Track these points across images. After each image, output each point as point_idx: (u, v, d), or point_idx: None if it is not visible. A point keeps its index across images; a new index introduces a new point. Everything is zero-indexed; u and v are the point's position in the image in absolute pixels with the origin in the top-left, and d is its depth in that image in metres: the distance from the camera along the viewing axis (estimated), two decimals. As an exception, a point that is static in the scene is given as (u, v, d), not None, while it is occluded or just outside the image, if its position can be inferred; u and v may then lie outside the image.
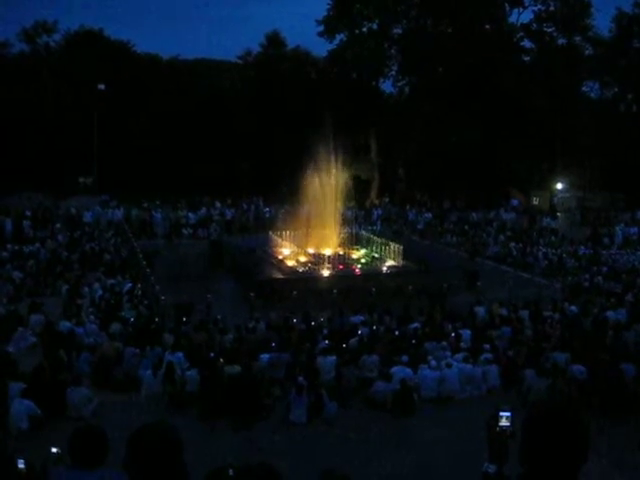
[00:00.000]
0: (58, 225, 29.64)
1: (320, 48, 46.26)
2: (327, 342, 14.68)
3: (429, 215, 36.22)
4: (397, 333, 16.07)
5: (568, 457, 2.35)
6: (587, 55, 44.55)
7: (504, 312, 18.20)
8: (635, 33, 43.46)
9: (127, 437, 2.70)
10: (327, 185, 26.96)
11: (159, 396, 12.23)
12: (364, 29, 45.26)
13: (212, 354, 13.84)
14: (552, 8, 43.46)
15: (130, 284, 20.91)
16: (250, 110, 42.28)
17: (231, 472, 3.38)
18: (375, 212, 36.55)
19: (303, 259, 25.14)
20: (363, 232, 28.61)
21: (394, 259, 25.23)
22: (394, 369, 12.75)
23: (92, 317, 16.81)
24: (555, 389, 11.81)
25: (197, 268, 24.73)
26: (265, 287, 21.99)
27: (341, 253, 26.12)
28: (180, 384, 12.26)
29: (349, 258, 25.84)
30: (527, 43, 45.40)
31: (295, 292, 20.75)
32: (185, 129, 40.31)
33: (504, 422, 4.35)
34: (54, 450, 5.61)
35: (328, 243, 26.65)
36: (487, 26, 44.49)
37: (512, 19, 44.89)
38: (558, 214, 37.16)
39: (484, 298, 20.33)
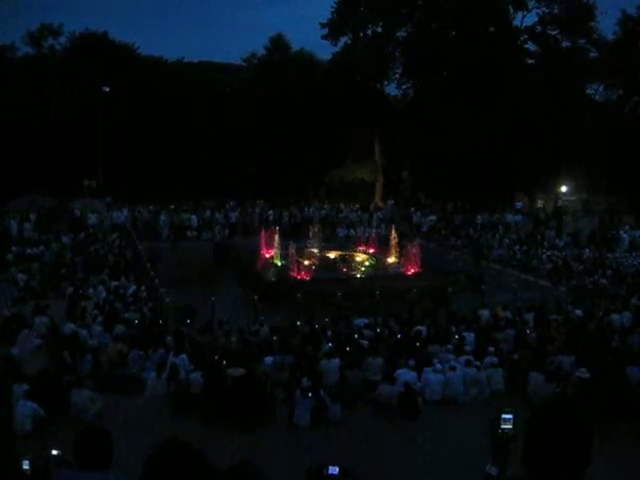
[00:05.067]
0: (62, 227, 29.70)
1: (324, 51, 46.39)
2: (331, 345, 14.68)
3: (433, 218, 36.15)
4: (401, 336, 16.05)
5: (572, 459, 2.34)
6: (591, 57, 44.46)
7: (508, 315, 18.16)
8: (640, 35, 43.35)
9: (146, 457, 2.44)
10: (332, 187, 26.95)
11: (163, 398, 12.24)
12: (368, 32, 45.34)
13: (216, 356, 13.85)
14: (556, 11, 43.42)
15: (134, 286, 20.92)
16: (254, 113, 42.33)
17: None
18: (379, 214, 36.48)
19: (307, 262, 25.12)
20: None
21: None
22: (398, 372, 12.73)
23: (96, 319, 16.83)
24: (560, 392, 11.79)
25: (201, 271, 24.73)
26: (269, 290, 21.99)
27: (345, 256, 26.10)
28: (184, 386, 12.26)
29: (353, 261, 25.82)
30: (531, 46, 45.38)
31: (299, 295, 20.74)
32: (189, 132, 40.39)
33: (506, 425, 4.35)
34: (55, 452, 5.63)
35: (332, 246, 26.65)
36: (491, 29, 44.44)
37: (516, 22, 44.89)
38: (563, 217, 37.06)
39: (488, 301, 20.30)
